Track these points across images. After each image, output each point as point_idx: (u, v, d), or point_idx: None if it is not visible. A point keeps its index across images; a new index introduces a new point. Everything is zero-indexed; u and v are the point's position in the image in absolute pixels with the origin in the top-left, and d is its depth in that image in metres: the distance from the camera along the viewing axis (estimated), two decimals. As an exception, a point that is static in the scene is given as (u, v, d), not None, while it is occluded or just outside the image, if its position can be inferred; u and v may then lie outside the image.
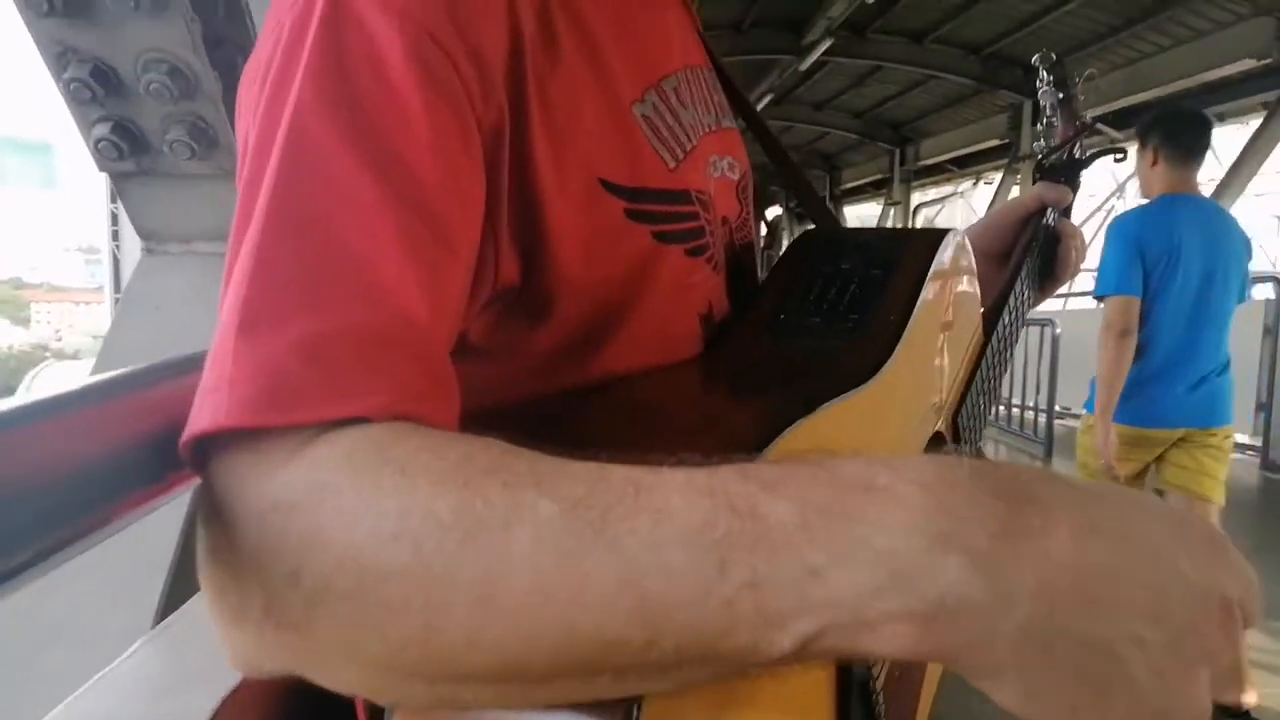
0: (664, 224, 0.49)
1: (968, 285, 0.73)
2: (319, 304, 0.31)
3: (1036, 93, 1.03)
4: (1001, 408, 7.03)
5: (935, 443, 0.66)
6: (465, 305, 0.39)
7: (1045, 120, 1.01)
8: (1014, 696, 0.26)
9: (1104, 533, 0.27)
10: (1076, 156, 0.98)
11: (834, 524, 0.26)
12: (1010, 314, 0.81)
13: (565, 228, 0.43)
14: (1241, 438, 6.03)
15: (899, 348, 0.53)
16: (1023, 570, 0.25)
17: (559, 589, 0.26)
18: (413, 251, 0.34)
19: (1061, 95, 1.00)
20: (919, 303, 0.59)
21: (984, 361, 0.75)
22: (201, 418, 0.30)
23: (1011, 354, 0.84)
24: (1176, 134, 2.44)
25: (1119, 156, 1.07)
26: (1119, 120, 9.13)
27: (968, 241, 0.72)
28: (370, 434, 0.30)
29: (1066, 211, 0.94)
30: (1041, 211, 0.90)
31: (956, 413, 0.70)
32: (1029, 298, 0.88)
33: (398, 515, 0.27)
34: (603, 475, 0.28)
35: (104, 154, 1.89)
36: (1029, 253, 0.85)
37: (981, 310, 0.78)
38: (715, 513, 0.26)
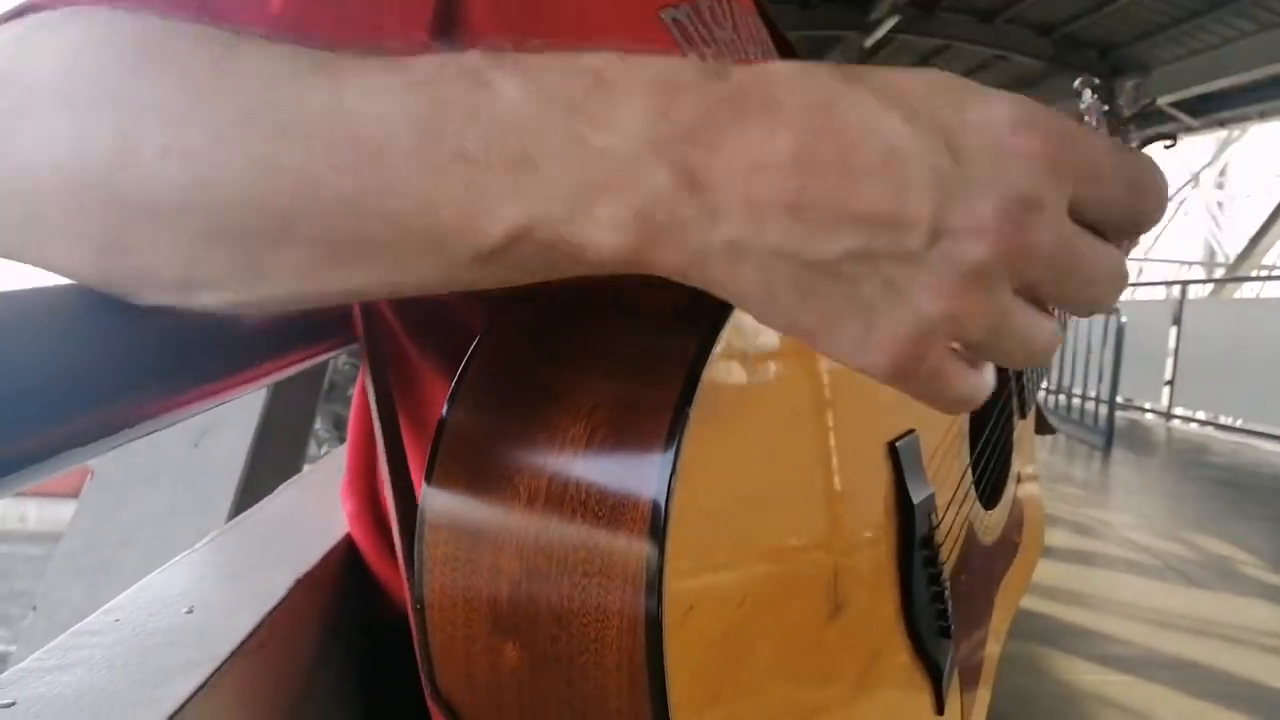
0: None
1: None
2: None
3: (1087, 108, 1.04)
4: (1062, 396, 6.91)
5: None
6: None
7: (1095, 124, 1.03)
8: (755, 311, 0.25)
9: (836, 136, 0.23)
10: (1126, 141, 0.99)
11: (554, 112, 0.24)
12: None
13: None
14: None
15: None
16: (733, 185, 0.23)
17: (264, 108, 0.25)
18: None
19: (1107, 108, 1.02)
20: None
21: None
22: None
23: (1063, 328, 0.87)
24: None
25: (1168, 144, 1.07)
26: (1196, 108, 8.87)
27: None
28: None
29: None
30: None
31: None
32: None
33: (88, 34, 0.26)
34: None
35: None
36: None
37: None
38: (443, 72, 0.25)
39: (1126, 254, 0.28)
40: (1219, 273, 10.88)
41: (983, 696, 0.69)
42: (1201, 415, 7.08)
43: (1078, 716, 2.27)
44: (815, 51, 10.43)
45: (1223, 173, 15.58)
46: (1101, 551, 3.67)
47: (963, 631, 0.60)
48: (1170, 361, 7.09)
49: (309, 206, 0.24)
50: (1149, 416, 7.52)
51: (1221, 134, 12.08)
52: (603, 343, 0.34)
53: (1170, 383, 7.17)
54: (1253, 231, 8.80)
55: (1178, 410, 7.18)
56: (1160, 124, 9.40)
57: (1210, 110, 8.93)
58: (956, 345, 0.25)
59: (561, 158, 0.24)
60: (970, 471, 0.64)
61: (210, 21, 0.28)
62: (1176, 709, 2.28)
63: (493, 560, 0.31)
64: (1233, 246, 11.57)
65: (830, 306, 0.24)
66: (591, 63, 0.25)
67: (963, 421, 0.63)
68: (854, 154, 0.23)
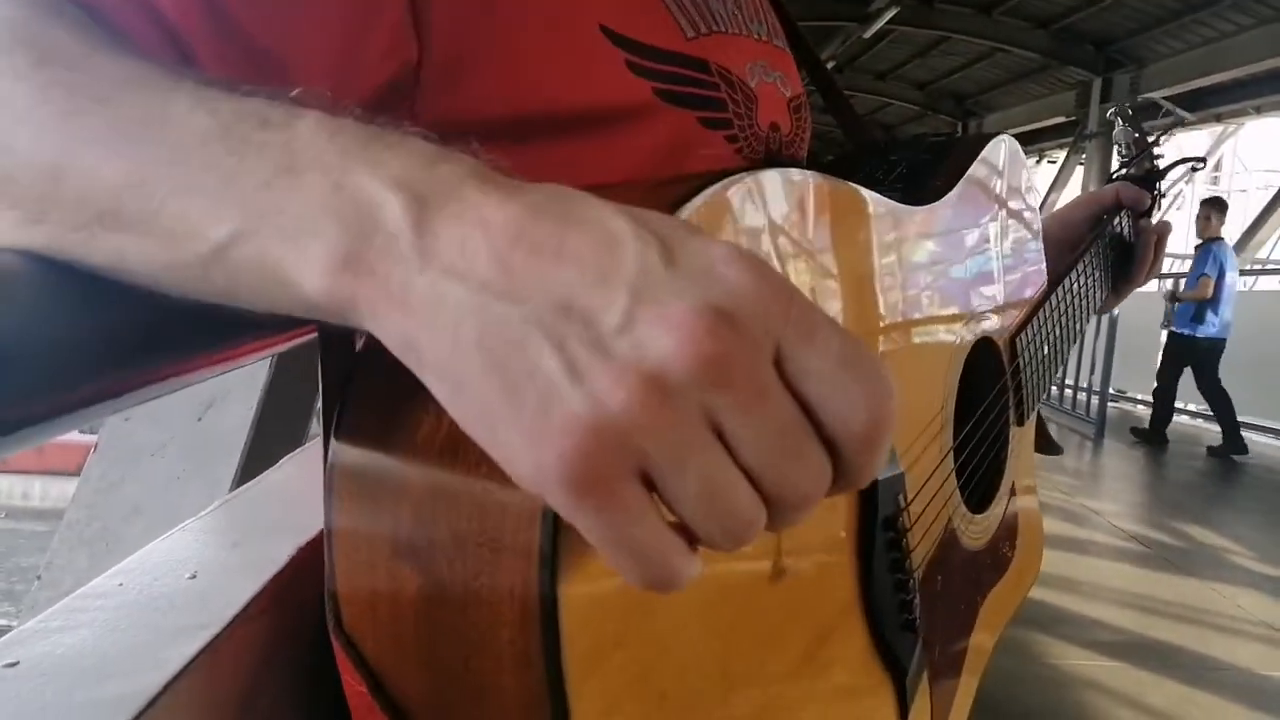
0: (671, 84, 0.49)
1: (1023, 189, 0.78)
2: None
3: (1118, 135, 1.06)
4: (1055, 387, 6.93)
5: (984, 346, 0.68)
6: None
7: (1123, 150, 1.04)
8: (435, 372, 0.24)
9: (562, 216, 0.24)
10: (1155, 167, 1.00)
11: (334, 149, 0.25)
12: (1071, 296, 0.84)
13: (535, 51, 0.43)
14: None
15: (940, 201, 0.56)
16: (453, 233, 0.23)
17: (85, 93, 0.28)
18: None
19: (1137, 134, 1.03)
20: (965, 176, 0.63)
21: (1045, 307, 0.79)
22: None
23: (1070, 342, 0.87)
24: None
25: (1197, 166, 1.09)
26: (1195, 101, 8.88)
27: (1017, 147, 0.77)
28: None
29: (1146, 214, 0.96)
30: (1117, 208, 0.92)
31: (1016, 334, 0.74)
32: (1096, 290, 0.90)
33: None
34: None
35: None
36: (1096, 243, 0.88)
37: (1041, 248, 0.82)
38: (256, 100, 0.27)
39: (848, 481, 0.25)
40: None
41: (961, 705, 0.65)
42: (1193, 407, 7.10)
43: (1067, 700, 2.29)
44: (815, 41, 10.37)
45: (1218, 166, 15.62)
46: (1092, 539, 3.70)
47: (936, 632, 0.58)
48: (1162, 353, 7.10)
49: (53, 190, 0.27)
50: (1140, 408, 7.55)
51: (1218, 128, 12.10)
52: None
53: (1163, 374, 7.16)
54: (1246, 226, 8.82)
55: (1170, 402, 7.17)
56: (1158, 118, 9.41)
57: (1207, 104, 8.93)
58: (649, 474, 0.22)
59: (311, 181, 0.25)
60: (953, 467, 0.62)
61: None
62: (1164, 694, 2.31)
63: (395, 490, 0.32)
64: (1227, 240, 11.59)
65: (511, 378, 0.22)
66: (394, 132, 0.26)
67: (947, 410, 0.61)
68: (573, 234, 0.23)
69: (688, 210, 0.34)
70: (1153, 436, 5.97)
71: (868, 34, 9.18)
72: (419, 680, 0.33)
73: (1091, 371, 6.40)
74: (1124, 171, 1.02)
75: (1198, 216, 5.84)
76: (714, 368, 0.22)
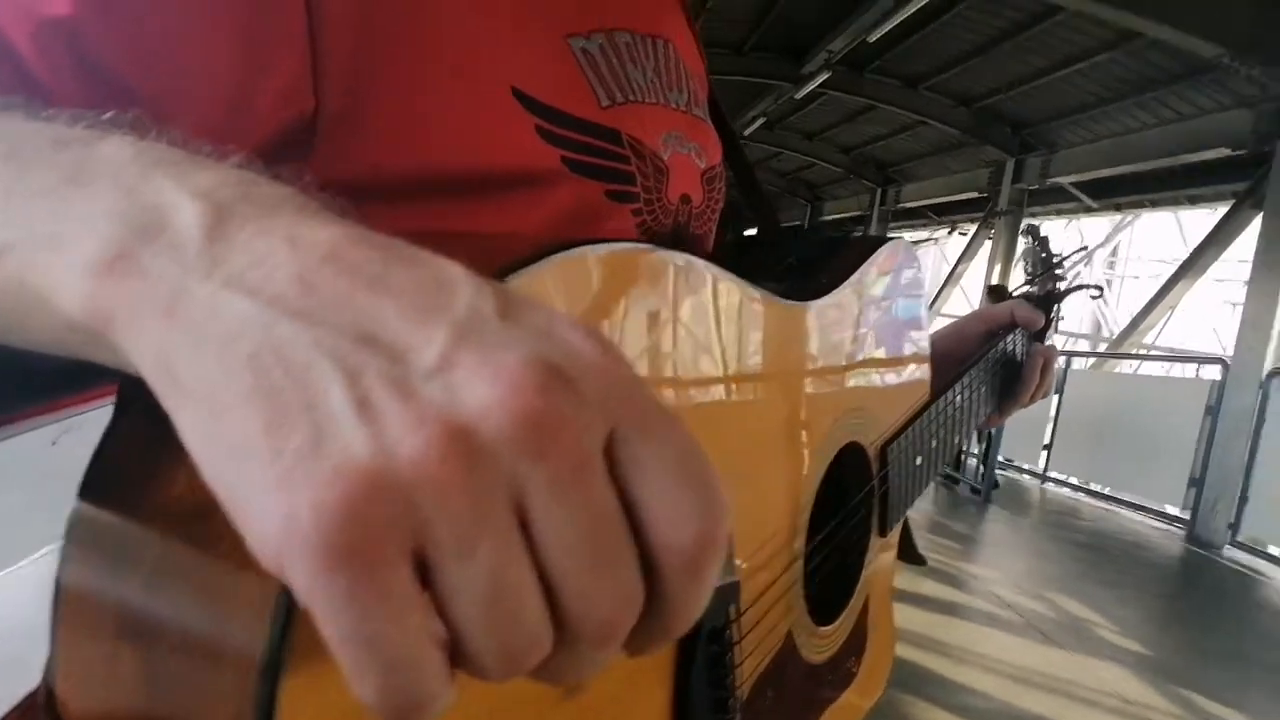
0: (581, 154, 0.47)
1: (911, 296, 0.77)
2: None
3: (1025, 253, 1.09)
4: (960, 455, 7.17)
5: (852, 451, 0.67)
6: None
7: (1028, 268, 1.08)
8: (190, 419, 0.19)
9: (389, 250, 0.21)
10: (1056, 289, 1.04)
11: (137, 167, 0.22)
12: (952, 409, 0.83)
13: (440, 109, 0.42)
14: (1172, 510, 6.23)
15: (822, 299, 0.55)
16: (252, 244, 0.20)
17: None
18: None
19: (1044, 254, 1.06)
20: (852, 276, 0.61)
21: (924, 418, 0.78)
22: None
23: (947, 455, 0.86)
24: None
25: (1094, 294, 1.13)
26: (1098, 190, 9.43)
27: (910, 249, 0.76)
28: None
29: (1040, 336, 0.98)
30: (1010, 326, 0.93)
31: (888, 443, 0.71)
32: (979, 405, 0.90)
33: None
34: None
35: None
36: (984, 358, 0.89)
37: (928, 346, 0.82)
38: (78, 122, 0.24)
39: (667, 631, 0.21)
40: (1103, 347, 11.52)
41: None
42: (1074, 480, 7.45)
43: (928, 767, 2.32)
44: (749, 97, 10.67)
45: (1114, 253, 16.59)
46: (970, 605, 3.81)
47: None
48: (1050, 427, 7.45)
49: None
50: (1026, 478, 7.88)
51: (1116, 217, 12.86)
52: None
53: (1048, 446, 7.51)
54: (1136, 311, 9.37)
55: (1053, 473, 7.53)
56: (1063, 202, 9.94)
57: (1108, 194, 9.49)
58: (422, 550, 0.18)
59: (99, 190, 0.21)
60: (801, 576, 0.59)
61: None
62: (1021, 764, 2.37)
63: (132, 556, 0.29)
64: (1118, 323, 12.30)
65: (281, 406, 0.18)
66: (214, 156, 0.23)
67: (801, 516, 0.58)
68: (398, 267, 0.20)
69: (524, 273, 0.31)
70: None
71: (799, 95, 9.48)
72: None
73: (979, 441, 6.66)
74: (1026, 289, 1.04)
75: (981, 298, 6.22)
76: (536, 431, 0.18)
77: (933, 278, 12.14)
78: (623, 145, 0.50)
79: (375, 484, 0.17)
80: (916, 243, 14.48)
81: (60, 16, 0.31)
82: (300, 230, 0.20)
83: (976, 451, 6.76)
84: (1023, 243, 1.11)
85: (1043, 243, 1.08)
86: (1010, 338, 0.93)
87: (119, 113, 0.24)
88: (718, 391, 0.47)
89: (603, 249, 0.36)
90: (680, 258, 0.42)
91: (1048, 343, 1.00)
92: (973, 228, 11.29)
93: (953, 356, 0.89)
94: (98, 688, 0.30)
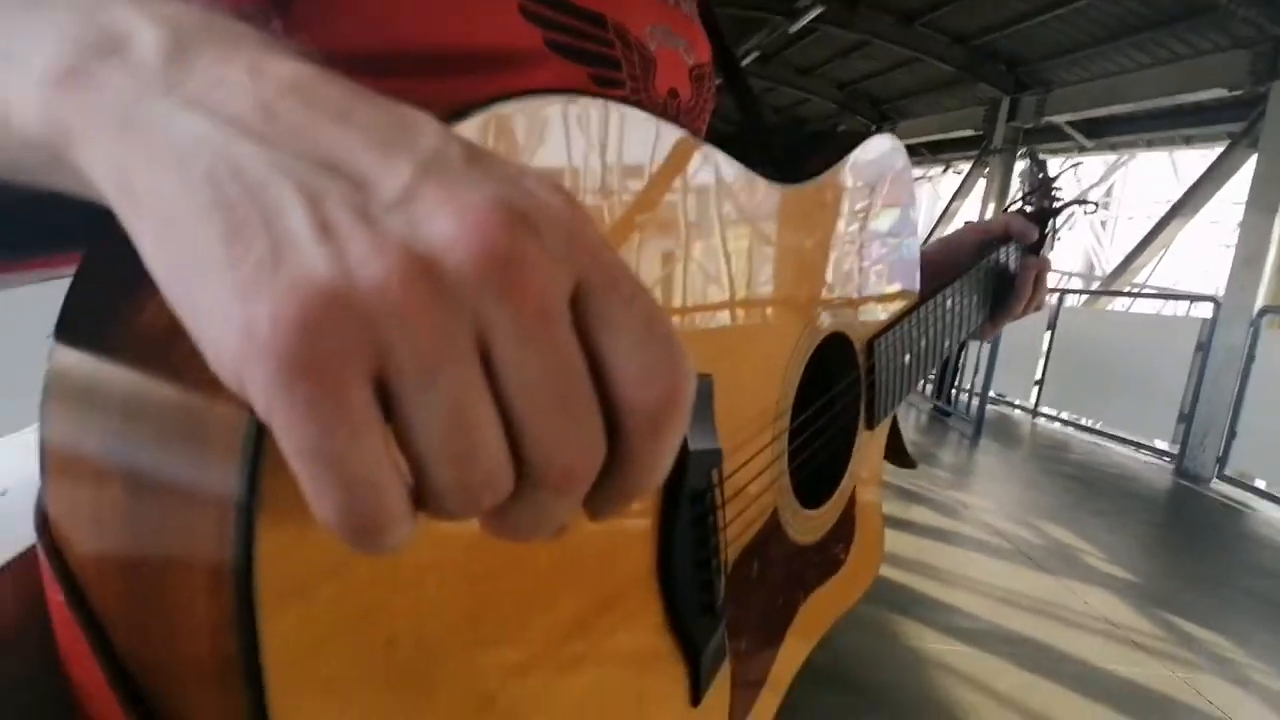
0: (564, 35, 0.46)
1: (900, 189, 0.76)
2: None
3: (1023, 173, 1.08)
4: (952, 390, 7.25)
5: (838, 341, 0.66)
6: None
7: (1024, 187, 1.07)
8: (147, 231, 0.19)
9: (355, 90, 0.20)
10: (1050, 206, 1.03)
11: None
12: (943, 312, 0.83)
13: None
14: (1161, 444, 6.32)
15: (807, 183, 0.55)
16: (211, 68, 0.20)
17: None
18: None
19: (1041, 175, 1.05)
20: (839, 164, 0.61)
21: (913, 316, 0.78)
22: None
23: (936, 358, 0.86)
24: None
25: (1088, 210, 1.13)
26: (1093, 129, 9.34)
27: (900, 147, 0.76)
28: None
29: (1035, 249, 0.98)
30: (1005, 239, 0.93)
31: (876, 337, 0.72)
32: (971, 313, 0.90)
33: None
34: None
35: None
36: (977, 268, 0.88)
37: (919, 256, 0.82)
38: None
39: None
40: (1095, 285, 11.54)
41: (766, 703, 0.61)
42: (1065, 415, 7.53)
43: (922, 680, 2.38)
44: (741, 32, 10.46)
45: (1109, 193, 16.52)
46: (959, 531, 3.87)
47: (743, 620, 0.55)
48: (1041, 363, 7.50)
49: None
50: (1017, 413, 7.95)
51: (1111, 157, 12.77)
52: None
53: (1040, 382, 7.58)
54: (1129, 250, 9.37)
55: (1044, 409, 7.61)
56: (1059, 141, 9.86)
57: (1103, 133, 9.40)
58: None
59: (58, 14, 0.21)
60: (785, 457, 0.59)
61: None
62: (1011, 681, 2.43)
63: (107, 386, 0.29)
64: (1110, 263, 12.31)
65: (238, 218, 0.17)
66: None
67: (786, 399, 0.58)
68: (363, 106, 0.20)
69: (485, 112, 0.31)
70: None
71: (793, 29, 9.29)
72: (119, 592, 0.29)
73: (975, 374, 6.70)
74: (1020, 204, 1.03)
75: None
76: (501, 268, 0.18)
77: (927, 215, 12.07)
78: (607, 30, 0.49)
79: (335, 300, 0.17)
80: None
81: None
82: (264, 62, 0.20)
83: (969, 387, 6.81)
84: (1020, 166, 1.11)
85: (1040, 164, 1.08)
86: (1004, 250, 0.93)
87: None
88: (709, 270, 0.46)
89: (584, 99, 0.35)
90: (671, 126, 0.41)
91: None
92: (967, 166, 11.19)
93: (946, 266, 0.89)
94: (86, 532, 0.29)
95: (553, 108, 0.34)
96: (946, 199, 11.98)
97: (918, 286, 0.82)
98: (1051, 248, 1.03)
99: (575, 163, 0.35)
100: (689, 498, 0.45)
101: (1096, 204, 1.15)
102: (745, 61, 11.15)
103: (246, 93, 0.19)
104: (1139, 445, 6.66)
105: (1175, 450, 6.07)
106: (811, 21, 9.00)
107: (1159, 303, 9.06)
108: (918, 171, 13.67)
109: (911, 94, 11.50)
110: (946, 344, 0.87)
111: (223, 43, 0.20)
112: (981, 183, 10.45)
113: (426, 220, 0.18)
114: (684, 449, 0.42)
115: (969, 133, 10.62)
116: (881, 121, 12.66)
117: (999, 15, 8.33)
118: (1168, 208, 8.09)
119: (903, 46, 9.60)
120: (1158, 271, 10.28)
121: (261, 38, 0.21)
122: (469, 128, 0.31)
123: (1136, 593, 3.34)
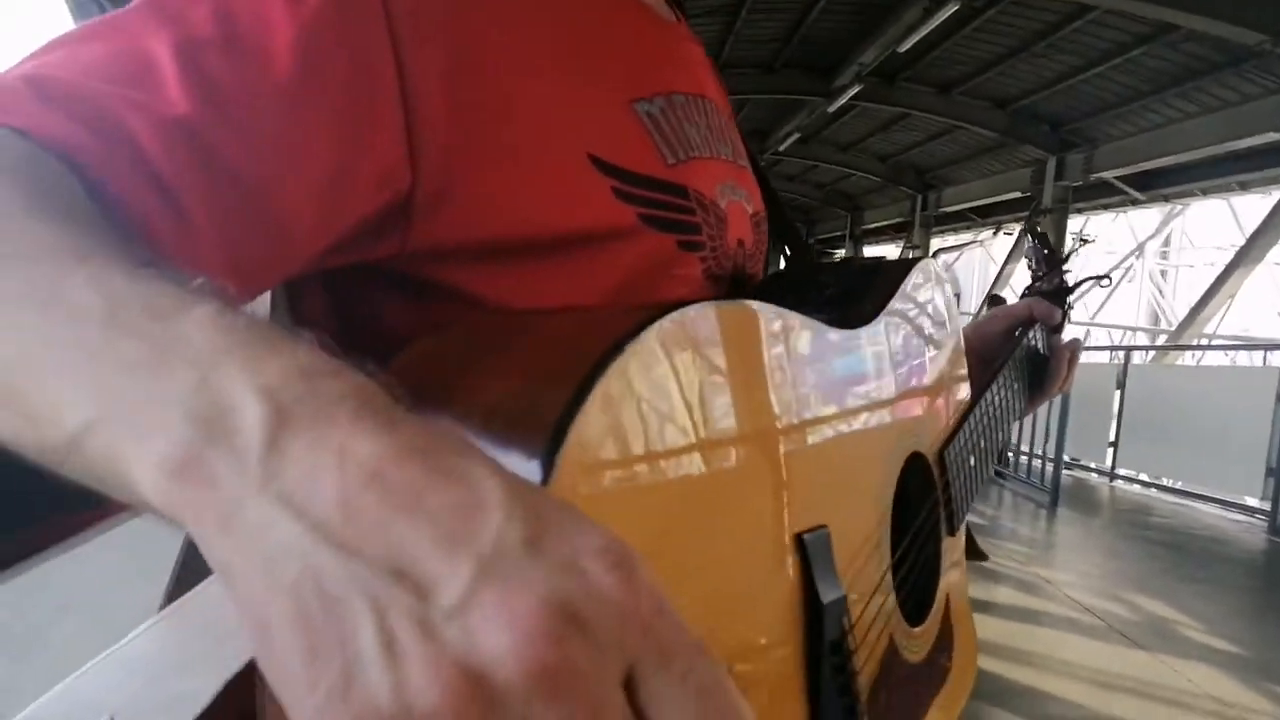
0: (654, 209, 0.52)
1: (945, 310, 0.81)
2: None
3: (1028, 252, 1.13)
4: (1010, 454, 7.07)
5: (915, 461, 0.70)
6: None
7: (1034, 265, 1.12)
8: (248, 628, 0.21)
9: (431, 467, 0.22)
10: (1064, 284, 1.07)
11: (220, 347, 0.24)
12: (993, 409, 0.88)
13: (526, 180, 0.46)
14: (1251, 501, 6.04)
15: (870, 323, 0.59)
16: (304, 456, 0.21)
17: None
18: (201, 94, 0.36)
19: (1046, 251, 1.10)
20: (893, 299, 0.66)
21: (970, 419, 0.82)
22: None
23: (995, 453, 0.90)
24: None
25: (1103, 284, 1.17)
26: (1144, 182, 9.26)
27: (940, 266, 0.80)
28: None
29: (1058, 329, 1.02)
30: (1031, 323, 0.98)
31: (944, 448, 0.76)
32: (1015, 401, 0.95)
33: None
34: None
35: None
36: (1013, 355, 0.93)
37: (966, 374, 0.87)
38: (149, 284, 0.26)
39: None
40: (1162, 339, 11.23)
41: None
42: (1144, 476, 7.28)
43: (1021, 776, 2.29)
44: (782, 114, 10.71)
45: (1167, 242, 16.20)
46: (1045, 610, 3.73)
47: None
48: (1114, 423, 7.30)
49: None
50: (1094, 476, 7.71)
51: (1166, 207, 12.58)
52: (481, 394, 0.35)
53: (1114, 444, 7.36)
54: (1194, 300, 9.16)
55: (1121, 470, 7.36)
56: (1109, 196, 9.78)
57: (1155, 185, 9.31)
58: None
59: (178, 375, 0.23)
60: (892, 583, 0.61)
61: (100, 117, 0.33)
62: (1115, 770, 2.32)
63: None
64: (1175, 314, 11.98)
65: (318, 639, 0.20)
66: (285, 335, 0.25)
67: (884, 527, 0.61)
68: (436, 487, 0.21)
69: (633, 345, 0.34)
70: None
71: (832, 108, 9.49)
72: None
73: (1046, 440, 6.55)
74: (1036, 286, 1.08)
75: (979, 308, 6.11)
76: (549, 680, 0.19)
77: (981, 278, 11.92)
78: (689, 199, 0.55)
79: None
80: (962, 245, 14.30)
81: (181, 115, 0.35)
82: (351, 442, 0.22)
83: (1041, 453, 6.65)
84: (1026, 245, 1.15)
85: (1043, 239, 1.12)
86: (1032, 333, 0.98)
87: (206, 279, 0.27)
88: (803, 424, 0.50)
89: (691, 311, 0.38)
90: (764, 308, 0.46)
91: (1064, 335, 1.04)
92: (1017, 227, 11.13)
93: (978, 356, 0.94)
94: None
95: (669, 323, 0.37)
96: (999, 261, 11.89)
97: (968, 390, 0.86)
98: (1070, 321, 1.06)
99: (704, 369, 0.39)
100: (829, 650, 0.47)
101: (1109, 276, 1.19)
102: (785, 144, 11.35)
103: (332, 487, 0.21)
104: (1227, 504, 6.38)
105: (1267, 507, 5.81)
106: (850, 100, 9.18)
107: (1230, 353, 8.76)
108: (967, 236, 13.61)
109: (955, 161, 11.56)
110: (1000, 437, 0.91)
111: (319, 418, 0.22)
112: (1034, 243, 10.35)
113: (481, 630, 0.19)
114: (817, 603, 0.46)
115: (1016, 194, 10.60)
116: (926, 190, 12.71)
117: (1037, 77, 8.41)
118: (1230, 252, 7.94)
119: (943, 116, 9.71)
120: (1225, 320, 9.99)
121: (357, 402, 0.23)
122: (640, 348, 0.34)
123: (1241, 665, 3.18)
